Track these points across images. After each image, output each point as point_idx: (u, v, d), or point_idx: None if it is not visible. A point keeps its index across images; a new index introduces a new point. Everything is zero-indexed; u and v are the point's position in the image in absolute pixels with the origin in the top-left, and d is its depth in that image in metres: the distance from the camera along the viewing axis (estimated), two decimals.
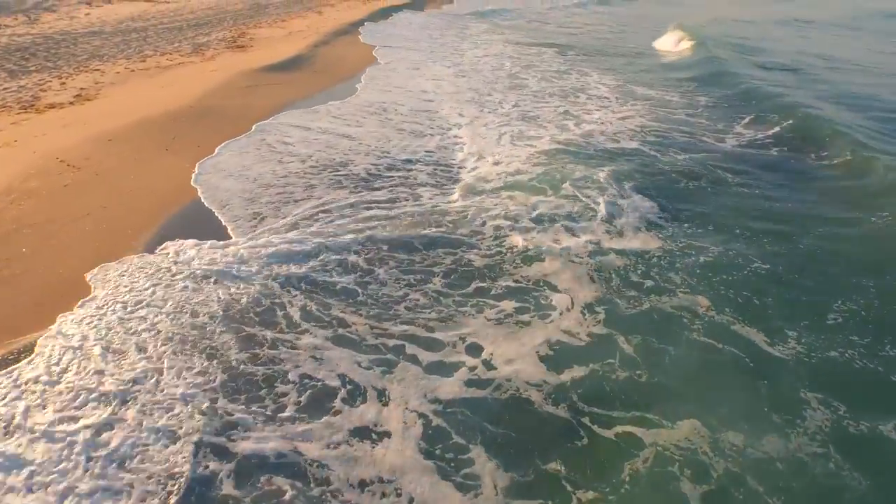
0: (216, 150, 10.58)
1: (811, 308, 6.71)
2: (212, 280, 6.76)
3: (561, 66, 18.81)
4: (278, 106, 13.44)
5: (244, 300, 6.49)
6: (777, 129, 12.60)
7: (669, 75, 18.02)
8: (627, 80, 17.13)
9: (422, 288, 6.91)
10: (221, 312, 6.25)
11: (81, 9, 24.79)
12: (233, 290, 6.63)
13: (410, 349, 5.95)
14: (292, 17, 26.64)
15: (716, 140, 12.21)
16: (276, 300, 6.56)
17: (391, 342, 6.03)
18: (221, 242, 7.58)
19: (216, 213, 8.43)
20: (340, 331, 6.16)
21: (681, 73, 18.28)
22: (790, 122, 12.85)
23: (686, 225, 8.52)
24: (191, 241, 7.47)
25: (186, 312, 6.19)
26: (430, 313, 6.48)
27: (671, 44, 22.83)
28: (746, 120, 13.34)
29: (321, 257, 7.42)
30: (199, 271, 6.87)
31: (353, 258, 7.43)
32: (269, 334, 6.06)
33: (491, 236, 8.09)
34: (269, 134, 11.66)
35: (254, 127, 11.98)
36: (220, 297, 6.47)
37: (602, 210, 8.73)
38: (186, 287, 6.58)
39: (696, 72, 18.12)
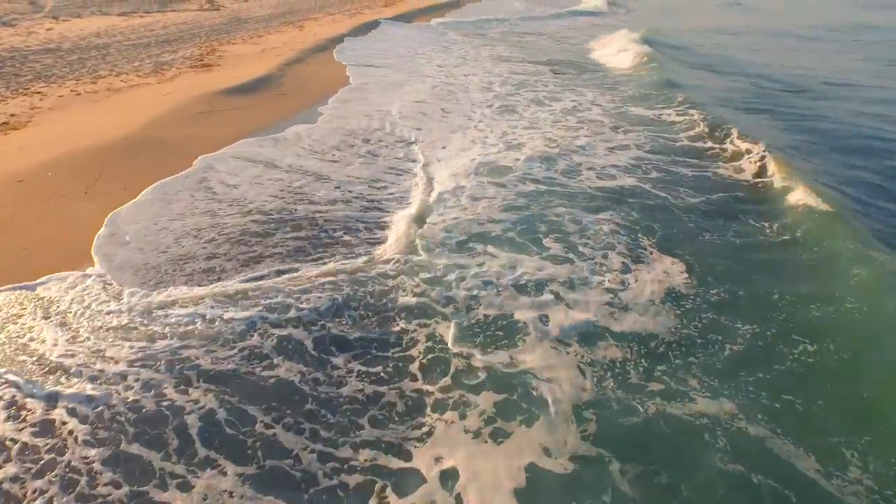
0: (142, 195, 9.08)
1: (881, 420, 5.20)
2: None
3: (554, 87, 17.38)
4: (231, 136, 11.96)
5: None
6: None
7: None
8: (624, 100, 15.71)
9: (385, 387, 5.51)
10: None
11: (45, 23, 23.40)
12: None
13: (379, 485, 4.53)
14: (271, 31, 25.27)
15: (734, 171, 10.79)
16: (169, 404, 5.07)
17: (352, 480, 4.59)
18: None
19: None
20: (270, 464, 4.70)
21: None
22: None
23: (708, 296, 7.04)
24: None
25: None
26: (400, 427, 5.08)
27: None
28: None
29: (252, 336, 5.92)
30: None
31: (294, 332, 5.94)
32: (155, 461, 4.58)
33: (463, 306, 6.64)
34: (213, 171, 10.19)
35: (196, 162, 10.50)
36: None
37: (603, 273, 7.29)
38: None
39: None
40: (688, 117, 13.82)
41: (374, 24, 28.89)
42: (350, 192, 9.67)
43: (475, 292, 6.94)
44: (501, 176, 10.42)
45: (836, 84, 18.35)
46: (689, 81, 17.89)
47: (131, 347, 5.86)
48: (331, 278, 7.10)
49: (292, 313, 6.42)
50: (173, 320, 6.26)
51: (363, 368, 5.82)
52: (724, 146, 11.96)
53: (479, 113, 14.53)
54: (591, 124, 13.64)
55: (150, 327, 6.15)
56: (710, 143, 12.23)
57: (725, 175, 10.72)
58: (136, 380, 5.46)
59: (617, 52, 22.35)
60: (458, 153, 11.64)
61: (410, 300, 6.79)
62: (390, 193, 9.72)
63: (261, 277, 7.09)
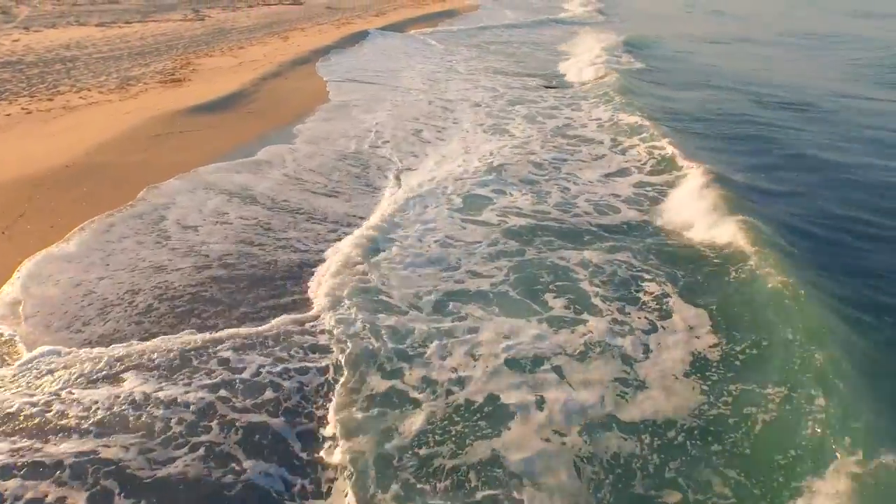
0: (69, 237, 7.91)
1: None
2: None
3: (552, 102, 16.27)
4: (190, 161, 10.82)
5: None
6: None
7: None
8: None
9: None
10: None
11: (13, 34, 22.29)
12: None
13: None
14: (253, 43, 24.18)
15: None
16: None
17: None
18: None
19: None
20: None
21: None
22: None
23: (738, 358, 5.90)
24: None
25: None
26: None
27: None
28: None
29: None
30: None
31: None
32: None
33: (441, 391, 5.52)
34: (159, 207, 9.01)
35: (142, 194, 9.35)
36: None
37: (614, 343, 6.17)
38: None
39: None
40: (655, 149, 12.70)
41: (362, 35, 27.82)
42: (319, 234, 8.52)
43: (452, 372, 5.79)
44: (484, 209, 9.28)
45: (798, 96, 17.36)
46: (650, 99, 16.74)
47: (25, 444, 4.68)
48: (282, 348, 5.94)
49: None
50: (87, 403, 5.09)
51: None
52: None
53: (467, 134, 13.40)
54: (588, 144, 12.53)
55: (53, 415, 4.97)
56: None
57: None
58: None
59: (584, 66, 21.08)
60: (441, 182, 10.50)
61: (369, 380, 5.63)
62: (361, 235, 8.55)
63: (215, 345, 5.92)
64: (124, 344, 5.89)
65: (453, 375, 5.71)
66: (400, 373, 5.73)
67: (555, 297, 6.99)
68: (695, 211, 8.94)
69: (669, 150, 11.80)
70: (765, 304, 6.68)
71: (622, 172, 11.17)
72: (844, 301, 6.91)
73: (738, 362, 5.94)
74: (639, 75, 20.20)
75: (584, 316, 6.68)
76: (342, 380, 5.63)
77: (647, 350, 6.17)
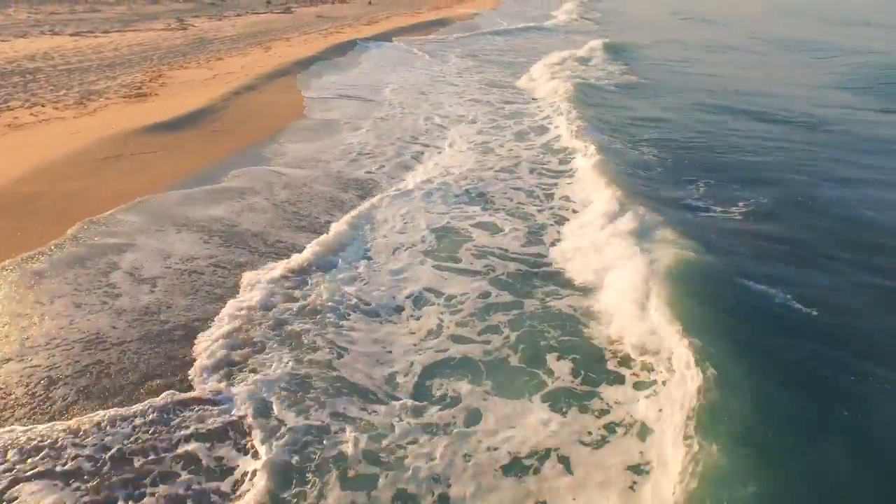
0: None
1: None
2: None
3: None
4: (137, 189, 9.65)
5: None
6: None
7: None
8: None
9: None
10: None
11: None
12: None
13: None
14: (233, 54, 23.03)
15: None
16: None
17: None
18: None
19: None
20: None
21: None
22: None
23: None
24: None
25: None
26: None
27: None
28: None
29: None
30: None
31: None
32: None
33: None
34: (93, 249, 7.78)
35: (73, 230, 8.13)
36: None
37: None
38: None
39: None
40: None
41: (350, 45, 26.70)
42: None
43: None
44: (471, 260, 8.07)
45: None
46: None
47: None
48: None
49: None
50: None
51: None
52: None
53: (452, 158, 12.20)
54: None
55: None
56: None
57: None
58: None
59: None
60: (419, 232, 9.31)
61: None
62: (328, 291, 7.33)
63: None
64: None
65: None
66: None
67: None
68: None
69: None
70: None
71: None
72: None
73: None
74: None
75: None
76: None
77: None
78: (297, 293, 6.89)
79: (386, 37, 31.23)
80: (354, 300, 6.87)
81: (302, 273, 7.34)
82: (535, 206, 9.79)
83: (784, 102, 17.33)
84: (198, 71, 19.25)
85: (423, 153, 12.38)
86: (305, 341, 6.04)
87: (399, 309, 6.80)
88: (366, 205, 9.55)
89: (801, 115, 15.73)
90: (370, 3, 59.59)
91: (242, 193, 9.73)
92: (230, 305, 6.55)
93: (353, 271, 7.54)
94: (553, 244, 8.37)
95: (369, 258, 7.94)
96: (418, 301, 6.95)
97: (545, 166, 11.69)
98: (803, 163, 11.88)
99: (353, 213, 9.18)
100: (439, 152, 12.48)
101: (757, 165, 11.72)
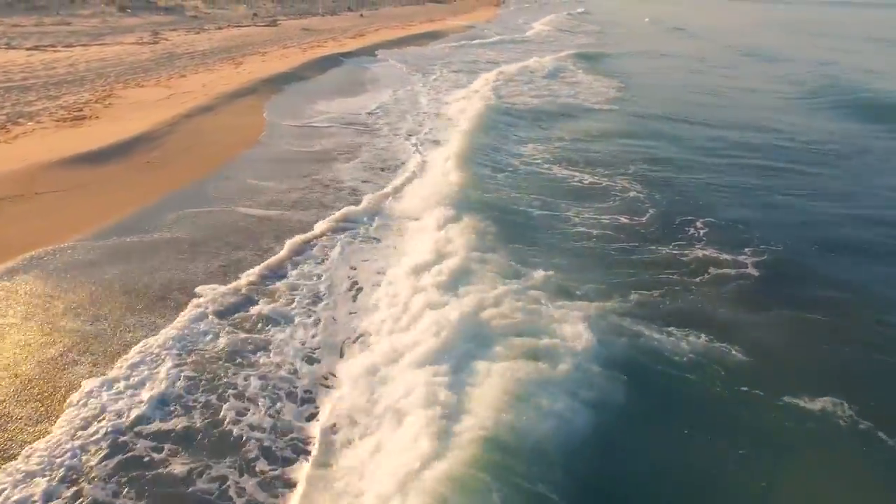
0: None
1: None
2: None
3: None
4: (32, 242, 7.82)
5: None
6: None
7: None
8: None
9: None
10: None
11: None
12: None
13: None
14: (200, 70, 21.29)
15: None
16: None
17: None
18: None
19: None
20: None
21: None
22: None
23: None
24: None
25: None
26: None
27: None
28: None
29: None
30: None
31: None
32: None
33: None
34: None
35: None
36: None
37: None
38: None
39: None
40: None
41: (331, 60, 25.05)
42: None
43: None
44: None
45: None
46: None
47: None
48: None
49: None
50: None
51: None
52: None
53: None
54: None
55: None
56: None
57: None
58: None
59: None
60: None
61: None
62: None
63: None
64: None
65: None
66: None
67: None
68: None
69: None
70: None
71: None
72: None
73: None
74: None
75: None
76: None
77: None
78: None
79: (370, 50, 29.62)
80: None
81: None
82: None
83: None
84: (153, 90, 17.47)
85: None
86: None
87: None
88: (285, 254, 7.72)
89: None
90: (361, 15, 58.15)
91: (169, 245, 7.91)
92: None
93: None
94: None
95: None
96: None
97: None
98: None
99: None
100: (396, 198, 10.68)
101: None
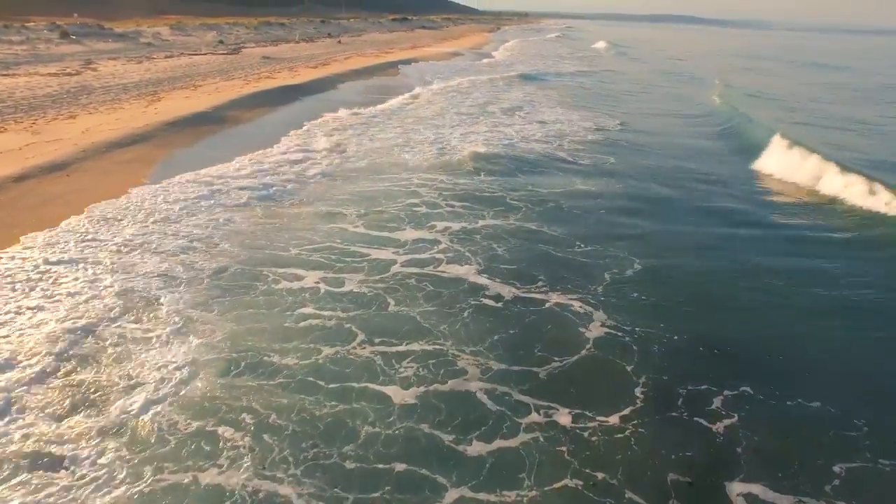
0: None
1: None
2: None
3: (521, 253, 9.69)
4: None
5: None
6: None
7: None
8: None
9: None
10: None
11: None
12: None
13: None
14: (103, 107, 17.71)
15: None
16: None
17: None
18: None
19: None
20: None
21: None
22: None
23: None
24: None
25: None
26: None
27: None
28: None
29: None
30: None
31: None
32: None
33: None
34: None
35: None
36: None
37: None
38: None
39: None
40: None
41: (271, 95, 21.57)
42: None
43: None
44: None
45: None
46: None
47: None
48: None
49: None
50: None
51: None
52: None
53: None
54: None
55: None
56: None
57: None
58: None
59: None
60: None
61: None
62: None
63: None
64: None
65: None
66: None
67: None
68: None
69: None
70: None
71: None
72: None
73: None
74: None
75: None
76: None
77: None
78: None
79: (328, 81, 26.26)
80: None
81: None
82: None
83: None
84: (12, 136, 13.81)
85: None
86: None
87: None
88: None
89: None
90: (339, 41, 55.14)
91: None
92: None
93: None
94: None
95: None
96: None
97: None
98: None
99: None
100: None
101: None
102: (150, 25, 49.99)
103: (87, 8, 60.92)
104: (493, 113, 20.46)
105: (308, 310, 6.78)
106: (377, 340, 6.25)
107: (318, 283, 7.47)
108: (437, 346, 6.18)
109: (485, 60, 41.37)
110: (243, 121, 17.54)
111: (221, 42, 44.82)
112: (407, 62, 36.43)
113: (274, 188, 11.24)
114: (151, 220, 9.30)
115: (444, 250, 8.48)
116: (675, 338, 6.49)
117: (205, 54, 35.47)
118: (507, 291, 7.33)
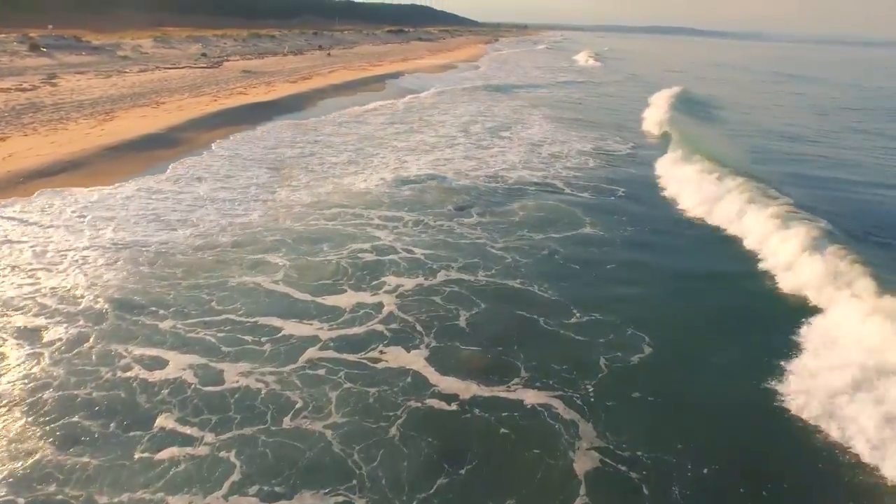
0: None
1: None
2: None
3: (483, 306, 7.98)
4: None
5: None
6: None
7: None
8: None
9: None
10: None
11: None
12: None
13: None
14: (44, 128, 16.00)
15: None
16: None
17: None
18: None
19: None
20: None
21: None
22: None
23: None
24: None
25: None
26: None
27: None
28: None
29: None
30: None
31: None
32: None
33: None
34: None
35: None
36: None
37: None
38: None
39: None
40: None
41: (236, 113, 19.93)
42: None
43: None
44: None
45: None
46: None
47: None
48: None
49: None
50: None
51: None
52: None
53: None
54: None
55: None
56: None
57: None
58: None
59: None
60: None
61: None
62: None
63: None
64: None
65: None
66: None
67: None
68: None
69: None
70: None
71: None
72: None
73: None
74: None
75: None
76: None
77: None
78: None
79: (305, 97, 24.63)
80: None
81: None
82: None
83: None
84: None
85: None
86: None
87: None
88: None
89: None
90: (329, 54, 53.66)
91: None
92: None
93: None
94: None
95: None
96: None
97: None
98: None
99: None
100: None
101: None
102: (134, 37, 48.44)
103: (84, 22, 59.31)
104: (475, 133, 18.77)
105: (160, 422, 4.97)
106: (252, 490, 4.42)
107: (183, 371, 5.67)
108: (343, 500, 4.39)
109: (466, 73, 39.76)
110: (198, 144, 15.84)
111: (204, 55, 43.25)
112: (395, 76, 34.88)
113: (189, 227, 9.51)
114: None
115: (388, 320, 6.73)
116: (705, 471, 4.71)
117: (182, 68, 33.88)
118: (465, 390, 5.57)
